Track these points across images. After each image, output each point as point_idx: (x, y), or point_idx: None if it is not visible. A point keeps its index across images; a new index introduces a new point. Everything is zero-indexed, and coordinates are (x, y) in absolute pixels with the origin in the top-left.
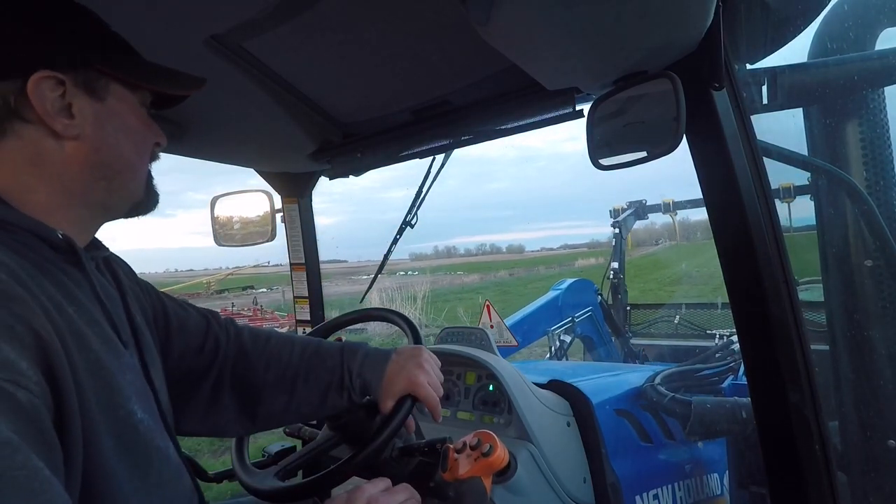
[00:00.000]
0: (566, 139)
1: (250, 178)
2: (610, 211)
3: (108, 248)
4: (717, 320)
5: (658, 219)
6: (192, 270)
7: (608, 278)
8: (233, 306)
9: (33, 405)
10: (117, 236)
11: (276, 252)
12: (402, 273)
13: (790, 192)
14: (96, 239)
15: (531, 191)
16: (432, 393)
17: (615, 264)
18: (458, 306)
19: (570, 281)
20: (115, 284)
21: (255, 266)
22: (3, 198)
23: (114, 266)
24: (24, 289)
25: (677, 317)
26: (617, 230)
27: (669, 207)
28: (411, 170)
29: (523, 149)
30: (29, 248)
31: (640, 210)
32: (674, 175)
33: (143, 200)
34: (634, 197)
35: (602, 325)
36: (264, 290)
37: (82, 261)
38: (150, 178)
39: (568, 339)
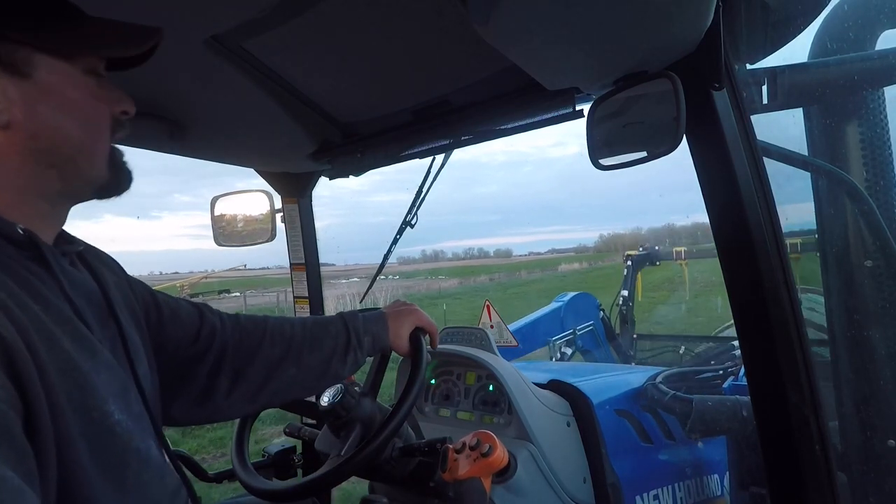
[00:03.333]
0: (553, 145)
1: (238, 180)
2: (624, 256)
3: (82, 242)
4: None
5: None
6: (177, 273)
7: (617, 304)
8: None
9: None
10: (101, 237)
11: (252, 256)
12: (381, 277)
13: (797, 249)
14: (66, 233)
15: (519, 195)
16: (433, 321)
17: (625, 292)
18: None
19: (572, 294)
20: (94, 279)
21: (229, 270)
22: None
23: (92, 261)
24: None
25: (682, 347)
26: (629, 262)
27: (681, 255)
28: (400, 174)
29: (511, 154)
30: None
31: (652, 256)
32: (663, 183)
33: (109, 181)
34: (622, 202)
35: (603, 339)
36: (237, 294)
37: (46, 257)
38: (115, 153)
39: (569, 350)
